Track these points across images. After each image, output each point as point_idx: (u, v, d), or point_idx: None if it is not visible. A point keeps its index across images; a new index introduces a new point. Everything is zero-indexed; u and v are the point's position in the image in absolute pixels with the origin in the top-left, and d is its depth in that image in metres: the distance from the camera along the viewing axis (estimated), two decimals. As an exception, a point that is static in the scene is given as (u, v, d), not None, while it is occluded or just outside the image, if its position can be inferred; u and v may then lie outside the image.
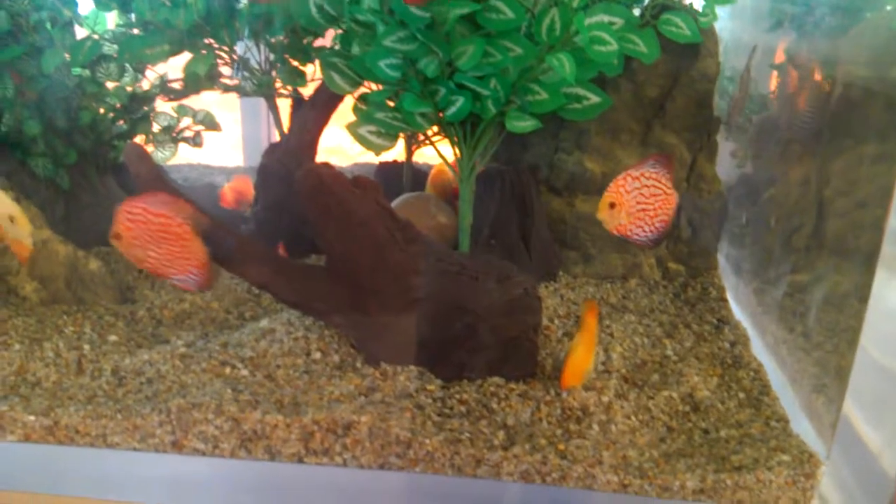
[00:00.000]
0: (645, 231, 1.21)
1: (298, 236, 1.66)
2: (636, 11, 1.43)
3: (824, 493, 1.09)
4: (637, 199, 1.20)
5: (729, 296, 1.63)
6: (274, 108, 1.78)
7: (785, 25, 1.76)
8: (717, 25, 1.62)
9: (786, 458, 1.09)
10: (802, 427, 1.21)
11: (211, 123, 1.89)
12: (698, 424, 1.21)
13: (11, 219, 1.29)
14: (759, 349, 1.45)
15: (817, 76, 1.58)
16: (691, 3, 1.48)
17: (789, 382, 1.37)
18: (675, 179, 1.64)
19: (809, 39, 1.64)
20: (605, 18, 1.31)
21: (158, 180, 1.26)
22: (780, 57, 1.80)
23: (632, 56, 1.38)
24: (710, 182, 1.69)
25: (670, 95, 1.63)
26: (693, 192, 1.68)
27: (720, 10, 1.48)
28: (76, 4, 1.67)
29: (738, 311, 1.59)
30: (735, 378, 1.32)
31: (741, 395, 1.28)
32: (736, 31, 2.03)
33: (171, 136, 1.88)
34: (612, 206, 1.21)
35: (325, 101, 1.66)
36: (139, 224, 1.13)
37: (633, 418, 1.20)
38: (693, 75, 1.61)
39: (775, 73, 1.83)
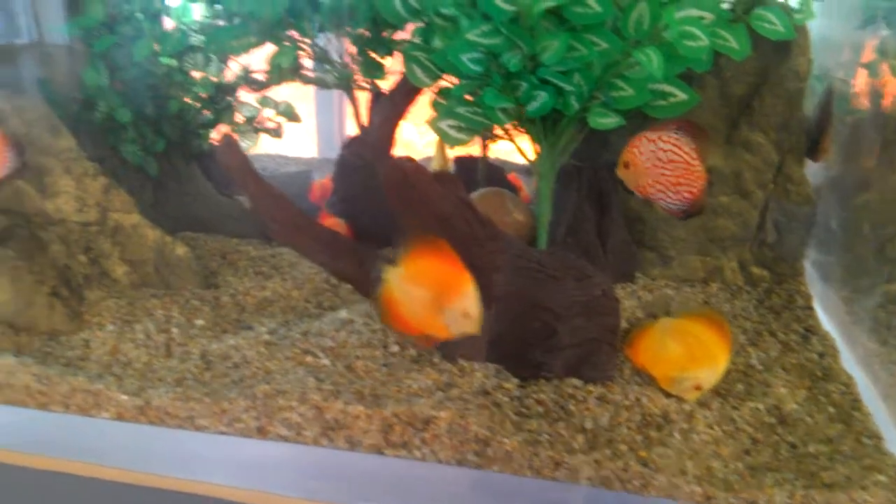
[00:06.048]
0: (670, 198, 1.20)
1: (375, 227, 1.67)
2: (726, 6, 1.38)
3: (922, 517, 1.04)
4: (653, 163, 1.18)
5: (816, 304, 1.56)
6: (353, 101, 1.80)
7: (878, 21, 1.67)
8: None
9: (882, 478, 1.04)
10: (898, 446, 1.16)
11: (291, 115, 1.92)
12: (785, 438, 1.16)
13: (465, 315, 1.08)
14: (849, 362, 1.38)
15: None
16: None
17: (882, 398, 1.31)
18: (761, 180, 1.58)
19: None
20: (695, 13, 1.27)
21: (248, 170, 1.28)
22: (868, 55, 1.71)
23: (722, 52, 1.33)
24: (797, 184, 1.62)
25: (758, 93, 1.57)
26: (780, 194, 1.62)
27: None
28: (165, -5, 1.72)
29: (825, 321, 1.53)
30: (824, 391, 1.27)
31: (831, 409, 1.23)
32: (823, 28, 1.94)
33: (253, 126, 1.93)
34: (625, 165, 1.23)
35: (404, 95, 1.67)
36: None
37: (716, 428, 1.16)
38: (783, 73, 1.54)
39: (866, 72, 1.74)
